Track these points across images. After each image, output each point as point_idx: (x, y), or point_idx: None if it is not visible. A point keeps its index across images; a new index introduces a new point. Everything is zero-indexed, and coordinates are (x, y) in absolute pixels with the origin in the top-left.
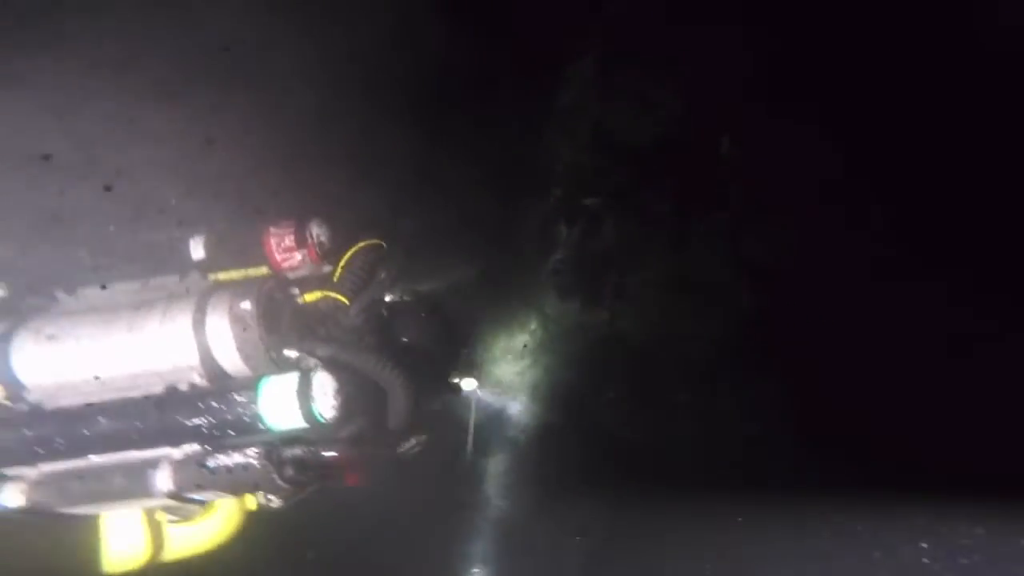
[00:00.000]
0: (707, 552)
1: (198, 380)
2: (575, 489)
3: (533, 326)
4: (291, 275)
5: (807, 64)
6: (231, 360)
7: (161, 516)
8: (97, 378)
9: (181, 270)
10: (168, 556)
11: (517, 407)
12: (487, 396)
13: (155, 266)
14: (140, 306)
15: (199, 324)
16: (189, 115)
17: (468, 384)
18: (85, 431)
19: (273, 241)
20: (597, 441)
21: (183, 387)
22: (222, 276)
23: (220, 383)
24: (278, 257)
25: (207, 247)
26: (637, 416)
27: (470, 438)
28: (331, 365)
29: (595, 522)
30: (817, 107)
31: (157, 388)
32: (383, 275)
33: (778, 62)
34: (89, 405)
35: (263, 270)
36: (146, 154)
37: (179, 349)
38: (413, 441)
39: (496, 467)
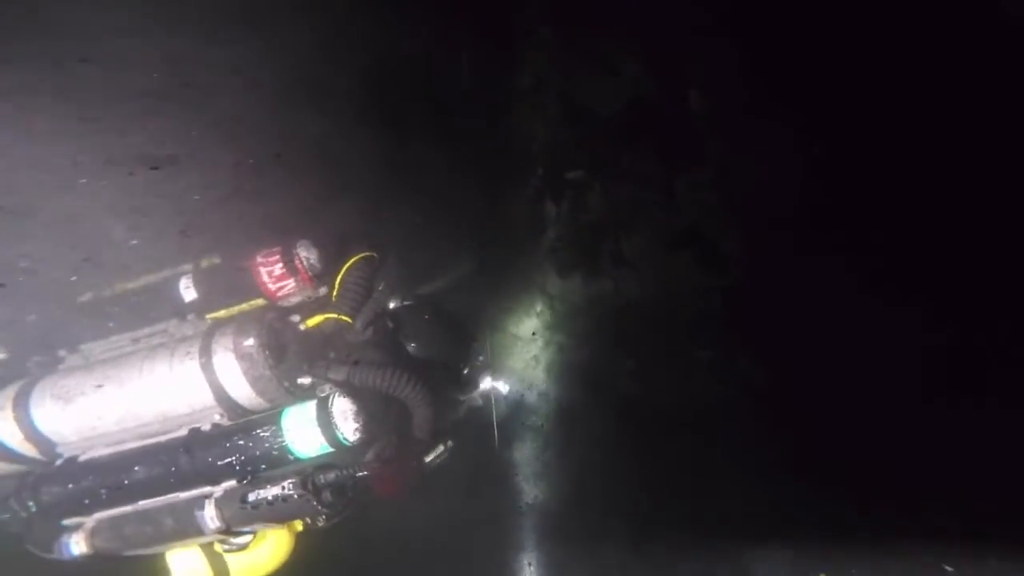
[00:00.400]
0: (742, 518)
1: (219, 419)
2: (606, 466)
3: (539, 308)
4: (289, 302)
5: (766, 11)
6: (246, 396)
7: (218, 548)
8: (118, 429)
9: (177, 314)
10: None
11: (536, 393)
12: (504, 387)
13: (149, 313)
14: (146, 355)
15: (207, 366)
16: (128, 143)
17: (484, 379)
18: (124, 479)
19: (263, 272)
20: (622, 414)
21: (206, 427)
22: (221, 314)
23: (241, 419)
24: (272, 287)
25: (197, 287)
26: (659, 381)
27: (495, 432)
28: (347, 388)
29: (630, 497)
30: (786, 55)
31: (182, 431)
32: (381, 286)
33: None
34: (121, 454)
35: (260, 302)
36: (92, 190)
37: (193, 392)
38: (441, 448)
39: (525, 457)
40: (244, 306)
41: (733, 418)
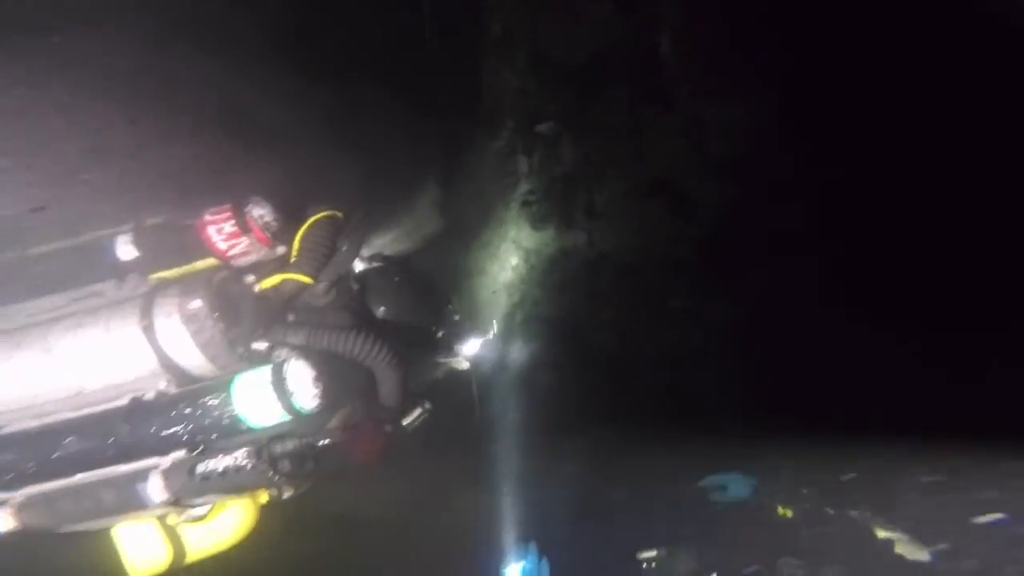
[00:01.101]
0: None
1: (164, 387)
2: (583, 419)
3: (515, 262)
4: (243, 263)
5: None
6: (196, 362)
7: (173, 519)
8: (47, 398)
9: (115, 275)
10: (191, 558)
11: (514, 349)
12: (481, 348)
13: (81, 274)
14: (79, 318)
15: (149, 329)
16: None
17: (460, 341)
18: (55, 452)
19: (212, 230)
20: (598, 365)
21: (149, 396)
22: (165, 274)
23: (190, 386)
24: (222, 247)
25: (138, 245)
26: (634, 331)
27: (474, 391)
28: (306, 352)
29: (604, 449)
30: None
31: (122, 400)
32: (345, 246)
33: None
34: (51, 425)
35: (211, 262)
36: None
37: (133, 358)
38: (418, 411)
39: (503, 416)
40: (192, 267)
41: (708, 363)
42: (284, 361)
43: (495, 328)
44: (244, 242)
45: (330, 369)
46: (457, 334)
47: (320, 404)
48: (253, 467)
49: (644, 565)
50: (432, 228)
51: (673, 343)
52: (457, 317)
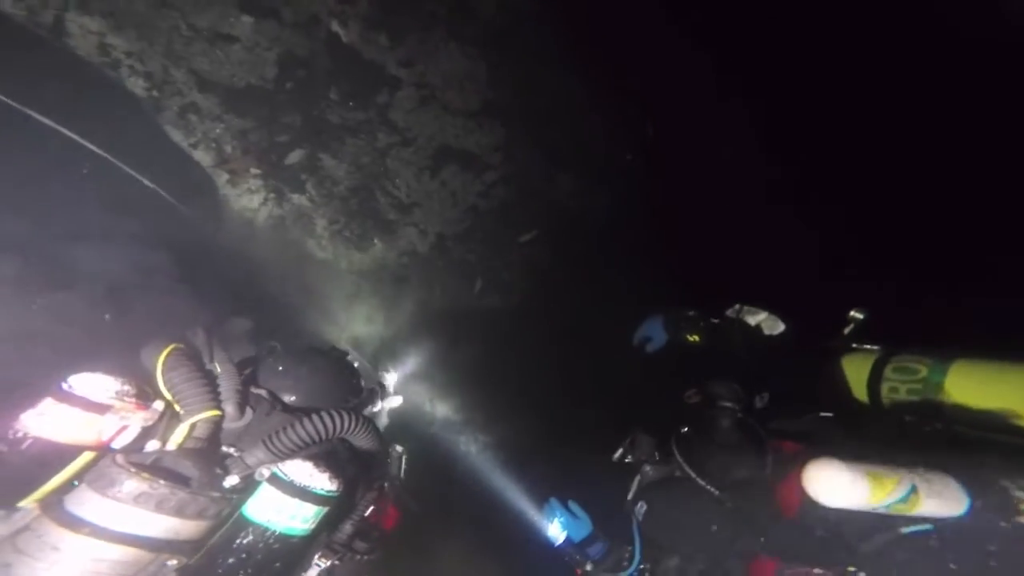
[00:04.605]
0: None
1: (176, 563)
2: (506, 368)
3: (365, 288)
4: (127, 437)
5: None
6: (181, 528)
7: None
8: None
9: None
10: None
11: (412, 362)
12: (400, 379)
13: None
14: None
15: (101, 533)
16: None
17: (385, 384)
18: None
19: (71, 428)
20: (490, 325)
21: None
22: (40, 493)
23: (210, 544)
24: (95, 439)
25: None
26: (505, 280)
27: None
28: (279, 455)
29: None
30: None
31: None
32: (218, 366)
33: None
34: None
35: (87, 457)
36: None
37: (121, 559)
38: (397, 454)
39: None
40: (67, 472)
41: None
42: (274, 472)
43: (389, 361)
44: (113, 421)
45: (316, 453)
46: (376, 379)
47: (338, 482)
48: (342, 561)
49: (623, 462)
50: (261, 315)
51: (536, 271)
52: (357, 364)
